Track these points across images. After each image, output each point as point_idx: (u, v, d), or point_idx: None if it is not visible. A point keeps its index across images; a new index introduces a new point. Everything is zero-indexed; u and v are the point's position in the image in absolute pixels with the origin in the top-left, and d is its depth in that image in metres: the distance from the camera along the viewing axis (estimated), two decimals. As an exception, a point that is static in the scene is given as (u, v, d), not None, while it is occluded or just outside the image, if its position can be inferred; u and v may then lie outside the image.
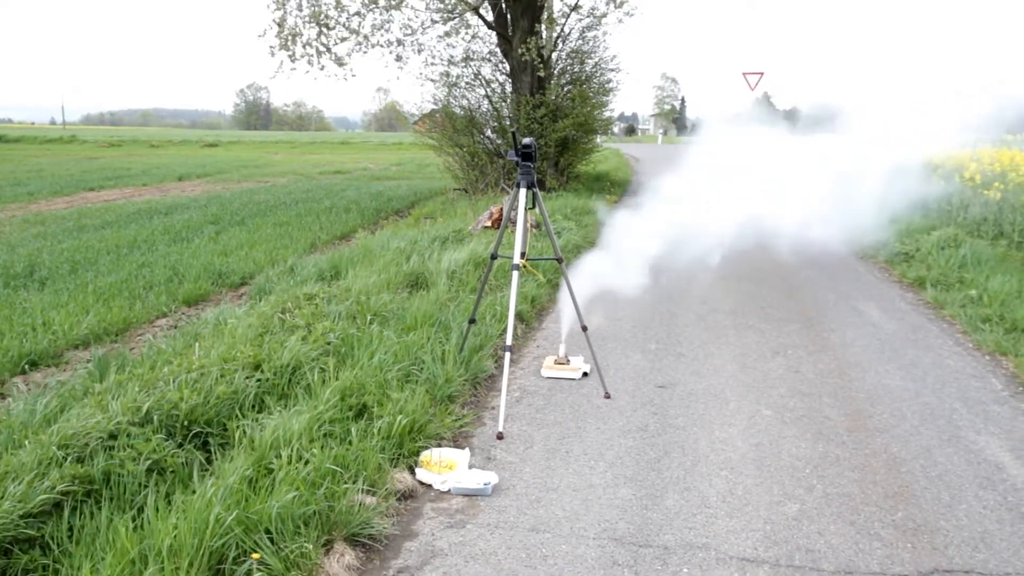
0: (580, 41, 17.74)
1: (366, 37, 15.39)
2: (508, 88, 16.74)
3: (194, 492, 3.19)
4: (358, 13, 15.12)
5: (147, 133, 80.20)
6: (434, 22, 16.02)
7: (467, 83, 17.01)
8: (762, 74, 27.99)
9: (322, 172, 26.55)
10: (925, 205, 10.76)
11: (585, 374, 5.37)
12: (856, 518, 3.47)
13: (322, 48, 15.10)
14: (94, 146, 46.88)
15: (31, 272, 8.68)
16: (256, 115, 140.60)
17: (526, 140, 4.78)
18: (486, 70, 17.20)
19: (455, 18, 15.98)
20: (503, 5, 15.66)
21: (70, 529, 3.00)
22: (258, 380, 4.44)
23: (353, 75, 15.73)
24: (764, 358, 5.76)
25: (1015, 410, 4.76)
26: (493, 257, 5.19)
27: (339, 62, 15.32)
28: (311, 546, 2.98)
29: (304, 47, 15.03)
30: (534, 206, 4.91)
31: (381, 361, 4.83)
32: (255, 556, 2.87)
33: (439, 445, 4.15)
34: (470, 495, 3.68)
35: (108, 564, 2.73)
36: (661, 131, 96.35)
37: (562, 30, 16.94)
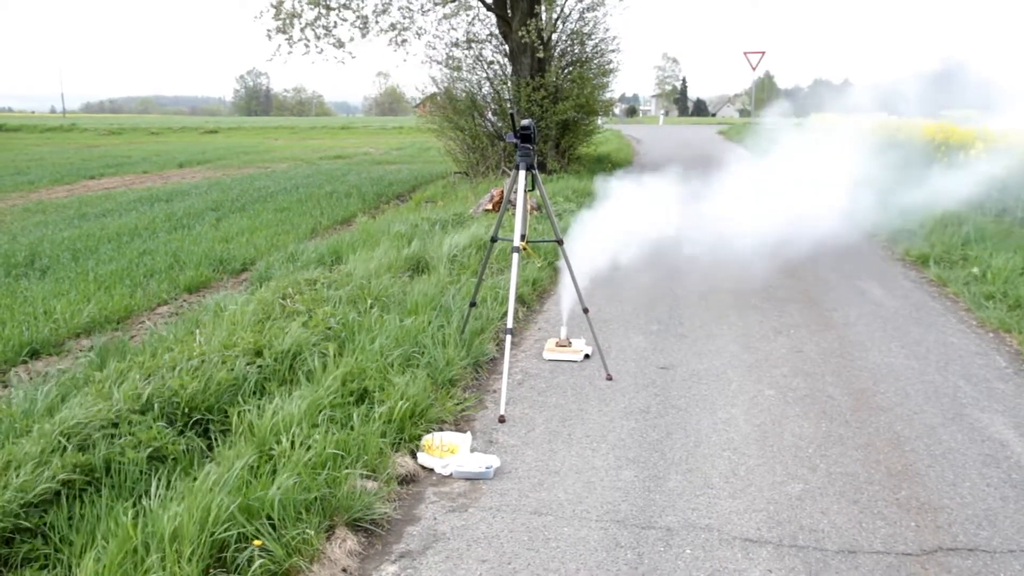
0: (580, 22, 17.60)
1: (366, 19, 15.27)
2: (509, 70, 16.63)
3: (195, 479, 3.19)
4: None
5: (147, 120, 79.96)
6: (435, 4, 15.89)
7: (468, 66, 16.92)
8: (764, 53, 27.79)
9: (323, 157, 26.46)
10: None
11: (587, 356, 5.35)
12: (860, 497, 3.46)
13: (321, 31, 14.99)
14: (94, 134, 46.74)
15: (32, 261, 8.67)
16: (256, 101, 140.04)
17: (525, 121, 4.75)
18: (487, 52, 17.10)
19: (454, 0, 15.84)
20: (502, -14, 15.53)
21: (71, 517, 3.00)
22: (259, 366, 4.43)
23: (352, 57, 15.62)
24: (766, 338, 5.74)
25: (1019, 387, 4.73)
26: (493, 240, 5.16)
27: (339, 44, 15.19)
28: (313, 532, 2.98)
29: (302, 30, 14.92)
30: (534, 188, 4.88)
31: (382, 345, 4.81)
32: (257, 543, 2.86)
33: (441, 429, 4.15)
34: (472, 479, 3.67)
35: (110, 552, 2.72)
36: (663, 112, 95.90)
37: (562, 11, 16.80)
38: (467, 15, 16.48)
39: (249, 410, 3.89)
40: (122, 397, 3.73)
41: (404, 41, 15.98)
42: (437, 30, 18.46)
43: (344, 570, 2.95)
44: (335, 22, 15.02)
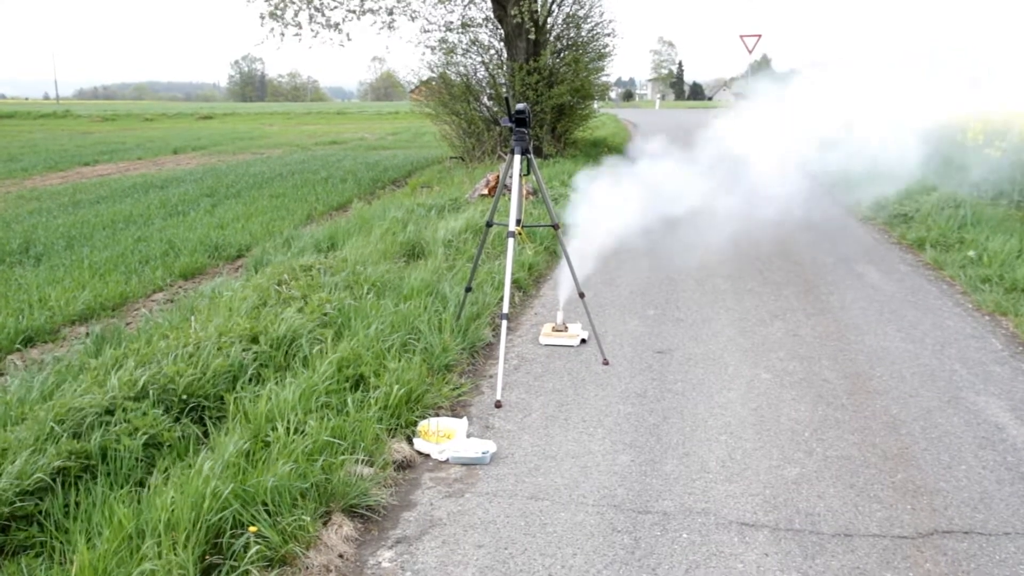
0: (576, 5, 17.50)
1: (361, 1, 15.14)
2: (505, 55, 16.54)
3: (191, 466, 3.18)
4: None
5: (141, 106, 79.56)
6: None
7: (464, 50, 16.81)
8: (760, 36, 27.64)
9: (318, 143, 26.35)
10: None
11: (583, 341, 5.35)
12: (856, 480, 3.46)
13: (314, 12, 14.87)
14: (88, 120, 46.44)
15: (27, 248, 8.63)
16: (251, 87, 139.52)
17: (520, 105, 4.72)
18: (483, 36, 16.99)
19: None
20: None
21: (66, 505, 2.99)
22: (255, 353, 4.41)
23: (349, 39, 15.49)
24: (763, 322, 5.73)
25: (1015, 370, 4.74)
26: (488, 224, 5.14)
27: (333, 26, 15.07)
28: (309, 518, 2.98)
29: (295, 14, 14.81)
30: (529, 172, 4.86)
31: (378, 331, 4.80)
32: (252, 529, 2.86)
33: (437, 415, 4.14)
34: (468, 464, 3.67)
35: (105, 539, 2.72)
36: (659, 96, 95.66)
37: (557, -7, 16.69)
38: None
39: (245, 397, 3.88)
40: (117, 384, 3.72)
41: (391, 25, 15.83)
42: (431, 15, 18.32)
43: (340, 556, 2.95)
44: (328, 3, 14.90)
